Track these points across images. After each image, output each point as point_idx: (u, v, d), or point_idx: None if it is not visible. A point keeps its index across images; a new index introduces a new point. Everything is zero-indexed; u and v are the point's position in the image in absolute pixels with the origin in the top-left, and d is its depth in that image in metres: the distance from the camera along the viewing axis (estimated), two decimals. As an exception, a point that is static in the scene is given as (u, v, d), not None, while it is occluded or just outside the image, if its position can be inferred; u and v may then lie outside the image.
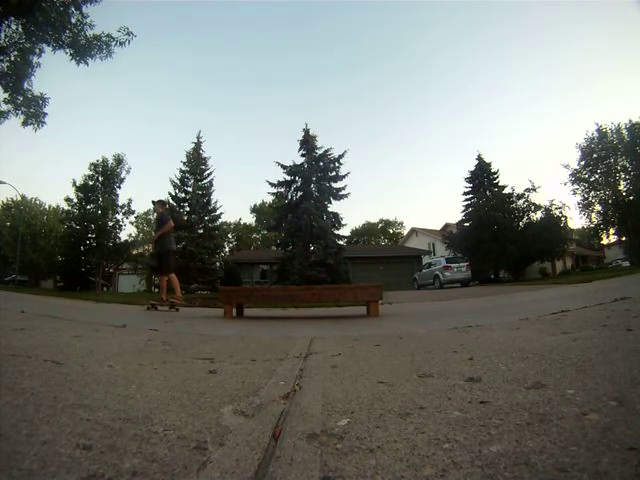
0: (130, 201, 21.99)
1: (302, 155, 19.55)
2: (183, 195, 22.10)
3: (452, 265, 17.04)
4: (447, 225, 29.86)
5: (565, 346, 1.42)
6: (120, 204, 21.68)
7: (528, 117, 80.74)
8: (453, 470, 0.59)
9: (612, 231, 21.93)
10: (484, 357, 1.36)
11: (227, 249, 34.13)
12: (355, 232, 49.34)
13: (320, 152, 19.16)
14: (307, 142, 19.29)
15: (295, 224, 17.88)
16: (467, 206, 23.92)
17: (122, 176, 21.77)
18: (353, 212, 71.51)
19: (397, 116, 76.31)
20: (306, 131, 19.53)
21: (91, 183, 20.94)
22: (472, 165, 24.67)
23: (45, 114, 9.01)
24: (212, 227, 22.32)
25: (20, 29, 8.37)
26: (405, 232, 44.94)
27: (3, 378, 1.15)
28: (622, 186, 20.62)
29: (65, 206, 21.78)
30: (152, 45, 76.47)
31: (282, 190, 19.70)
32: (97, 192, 21.11)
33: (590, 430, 0.69)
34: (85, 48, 8.54)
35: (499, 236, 19.18)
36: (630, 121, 20.20)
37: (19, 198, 27.46)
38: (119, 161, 21.65)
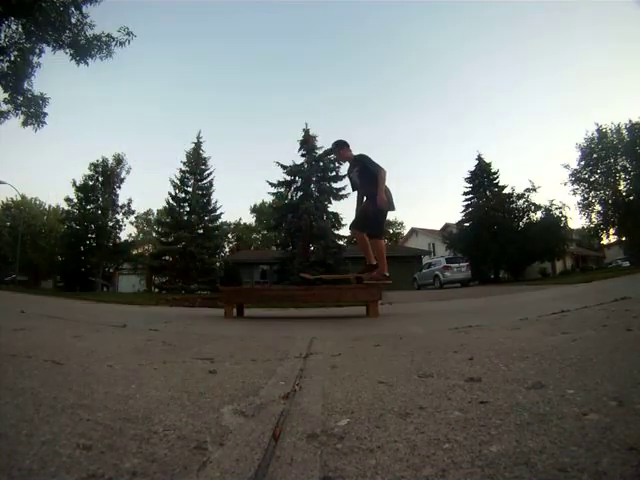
0: (130, 201, 22.07)
1: (302, 155, 19.58)
2: (183, 195, 22.10)
3: (452, 265, 17.05)
4: (447, 225, 29.84)
5: (565, 346, 1.42)
6: (120, 204, 21.72)
7: (528, 117, 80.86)
8: (453, 470, 0.59)
9: (612, 231, 21.94)
10: (484, 357, 1.36)
11: (227, 249, 34.12)
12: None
13: (320, 152, 19.16)
14: (307, 142, 19.31)
15: (295, 224, 17.90)
16: (467, 206, 23.91)
17: (122, 176, 21.82)
18: (353, 212, 71.42)
19: (397, 117, 76.42)
20: (306, 131, 19.56)
21: (91, 183, 21.00)
22: (472, 165, 24.66)
23: (45, 114, 9.02)
24: (212, 227, 22.32)
25: (20, 29, 8.37)
26: (405, 232, 44.97)
27: (3, 378, 1.15)
28: (622, 186, 20.63)
29: (65, 206, 21.87)
30: (153, 46, 76.56)
31: (282, 190, 19.72)
32: (97, 192, 21.14)
33: (590, 430, 0.69)
34: (85, 48, 8.55)
35: (499, 236, 19.19)
36: (630, 121, 20.22)
37: (19, 198, 27.48)
38: (119, 161, 21.69)
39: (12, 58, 8.55)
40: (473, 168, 24.42)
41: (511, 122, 79.44)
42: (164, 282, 20.81)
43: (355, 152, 3.94)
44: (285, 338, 2.25)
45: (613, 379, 0.97)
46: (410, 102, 77.87)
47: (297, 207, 18.24)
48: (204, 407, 0.94)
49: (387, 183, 3.67)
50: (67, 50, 8.59)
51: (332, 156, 18.89)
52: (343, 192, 18.72)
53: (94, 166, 21.13)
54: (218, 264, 22.39)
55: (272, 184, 19.47)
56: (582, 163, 21.10)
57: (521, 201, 20.51)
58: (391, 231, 52.63)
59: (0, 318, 3.15)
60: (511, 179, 50.94)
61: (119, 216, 21.64)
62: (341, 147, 4.00)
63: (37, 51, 8.69)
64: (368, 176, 3.69)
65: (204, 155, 22.71)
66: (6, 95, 8.66)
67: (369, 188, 3.67)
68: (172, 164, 35.41)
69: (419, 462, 0.62)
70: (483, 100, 78.69)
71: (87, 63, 8.68)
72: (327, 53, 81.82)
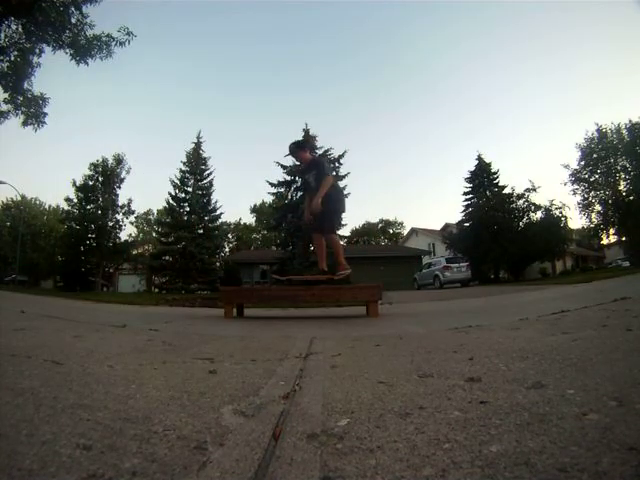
0: (130, 201, 22.07)
1: (302, 155, 19.50)
2: (183, 195, 22.08)
3: (452, 265, 17.04)
4: (447, 225, 29.85)
5: (565, 346, 1.42)
6: (120, 204, 21.72)
7: (528, 117, 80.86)
8: (453, 470, 0.59)
9: (612, 231, 21.94)
10: (484, 357, 1.36)
11: (227, 249, 34.11)
12: (355, 232, 49.31)
13: (320, 152, 19.13)
14: (307, 142, 19.25)
15: (295, 224, 17.86)
16: (467, 206, 23.93)
17: (122, 176, 21.82)
18: (353, 212, 71.32)
19: (398, 117, 76.43)
20: (306, 131, 19.52)
21: (91, 183, 20.98)
22: (472, 165, 24.67)
23: (45, 114, 9.03)
24: (212, 227, 22.30)
25: (20, 29, 8.37)
26: (405, 232, 45.00)
27: (3, 378, 1.15)
28: (622, 186, 20.63)
29: (65, 206, 21.86)
30: (153, 46, 76.56)
31: (282, 190, 19.69)
32: (97, 192, 21.14)
33: (590, 430, 0.69)
34: (85, 48, 8.55)
35: (499, 236, 19.19)
36: (630, 121, 20.22)
37: (19, 198, 27.48)
38: (119, 161, 21.69)
39: (12, 58, 8.55)
40: (473, 168, 24.43)
41: (511, 122, 79.64)
42: (164, 282, 20.81)
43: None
44: (285, 338, 2.25)
45: (613, 379, 0.97)
46: (410, 102, 77.97)
47: (297, 207, 18.20)
48: (204, 407, 0.94)
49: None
50: (67, 50, 8.59)
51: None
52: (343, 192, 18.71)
53: (94, 166, 21.12)
54: (218, 264, 22.39)
55: (272, 184, 19.46)
56: (582, 163, 21.11)
57: (521, 201, 20.53)
58: (391, 231, 52.67)
59: (0, 318, 3.15)
60: (511, 179, 51.04)
61: (119, 216, 21.64)
62: (301, 148, 3.99)
63: (37, 51, 8.70)
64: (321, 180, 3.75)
65: (204, 155, 22.69)
66: (6, 95, 8.67)
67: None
68: (172, 164, 35.46)
69: (419, 462, 0.62)
70: (483, 100, 78.76)
71: (87, 63, 8.69)
72: (327, 53, 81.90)
